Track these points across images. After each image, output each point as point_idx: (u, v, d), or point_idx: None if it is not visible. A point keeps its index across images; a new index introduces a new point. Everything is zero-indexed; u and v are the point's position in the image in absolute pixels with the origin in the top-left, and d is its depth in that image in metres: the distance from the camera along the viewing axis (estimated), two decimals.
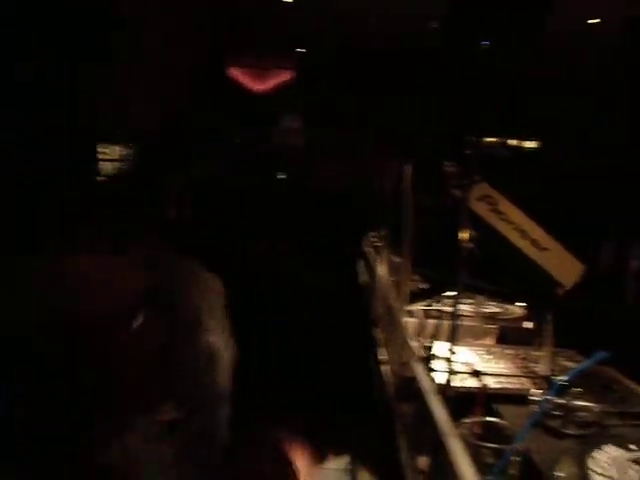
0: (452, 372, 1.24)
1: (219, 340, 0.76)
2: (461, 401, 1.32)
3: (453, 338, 1.18)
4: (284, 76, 6.62)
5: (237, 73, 6.55)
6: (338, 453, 1.57)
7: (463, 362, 1.58)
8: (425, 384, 1.18)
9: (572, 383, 1.18)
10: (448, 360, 1.20)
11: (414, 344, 1.48)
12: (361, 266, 3.09)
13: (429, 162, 1.27)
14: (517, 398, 1.32)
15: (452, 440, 0.94)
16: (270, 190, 5.99)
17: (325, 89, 6.05)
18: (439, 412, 1.10)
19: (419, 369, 1.26)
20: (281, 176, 6.64)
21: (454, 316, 1.18)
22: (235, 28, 4.96)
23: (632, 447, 1.06)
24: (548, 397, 0.85)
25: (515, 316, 1.96)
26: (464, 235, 1.17)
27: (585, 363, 0.82)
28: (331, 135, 6.18)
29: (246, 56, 6.35)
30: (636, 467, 0.99)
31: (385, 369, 1.54)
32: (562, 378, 0.93)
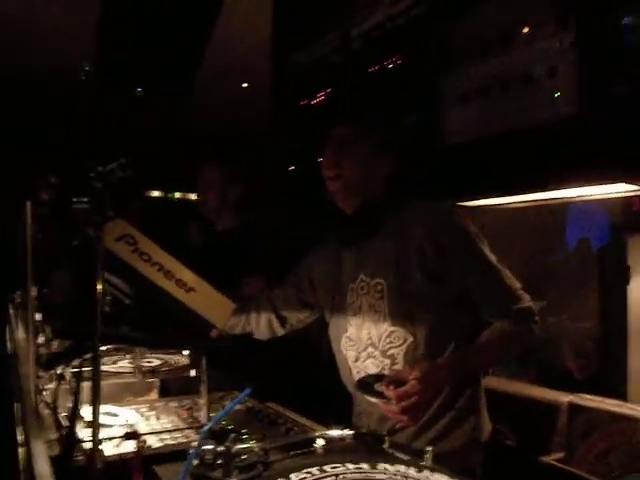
0: (101, 440, 1.05)
1: None
2: (118, 469, 1.14)
3: (95, 400, 1.00)
4: None
5: None
6: None
7: (122, 424, 1.40)
8: (41, 467, 0.96)
9: (225, 427, 1.13)
10: (96, 426, 1.02)
11: (50, 415, 1.25)
12: (9, 332, 2.63)
13: (59, 200, 1.09)
14: (181, 454, 1.21)
15: None
16: None
17: None
18: None
19: (38, 449, 1.04)
20: None
21: (95, 375, 1.00)
22: None
23: (292, 477, 1.04)
24: (198, 448, 0.75)
25: (179, 365, 1.88)
26: (100, 282, 1.01)
27: (230, 404, 0.74)
28: None
29: None
30: None
31: (23, 451, 1.25)
32: (208, 424, 0.84)
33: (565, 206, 2.74)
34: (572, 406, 2.07)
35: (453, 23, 1.86)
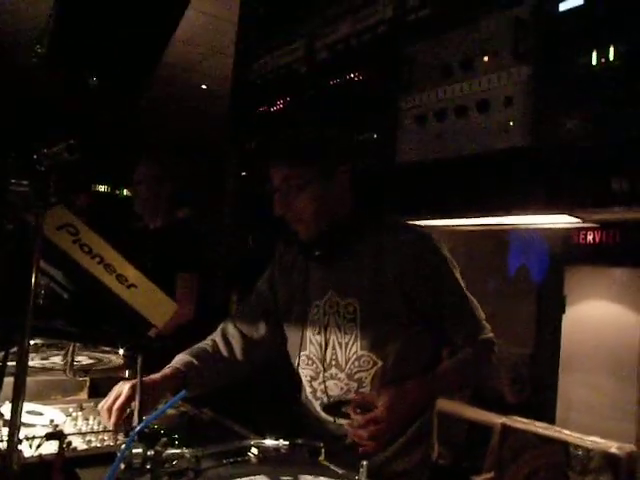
0: (20, 440, 0.99)
1: None
2: (37, 472, 1.08)
3: (18, 396, 0.94)
4: None
5: None
6: None
7: (46, 424, 1.32)
8: None
9: (157, 431, 1.08)
10: (15, 424, 0.95)
11: None
12: None
13: None
14: (108, 457, 1.15)
15: None
16: None
17: None
18: None
19: None
20: None
21: (19, 369, 0.94)
22: None
23: None
24: (126, 450, 0.71)
25: (112, 365, 1.80)
26: (35, 272, 0.95)
27: (163, 406, 0.71)
28: None
29: None
30: None
31: None
32: (138, 426, 0.80)
33: (506, 233, 2.82)
34: (504, 427, 2.11)
35: (417, 45, 1.89)
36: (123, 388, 1.37)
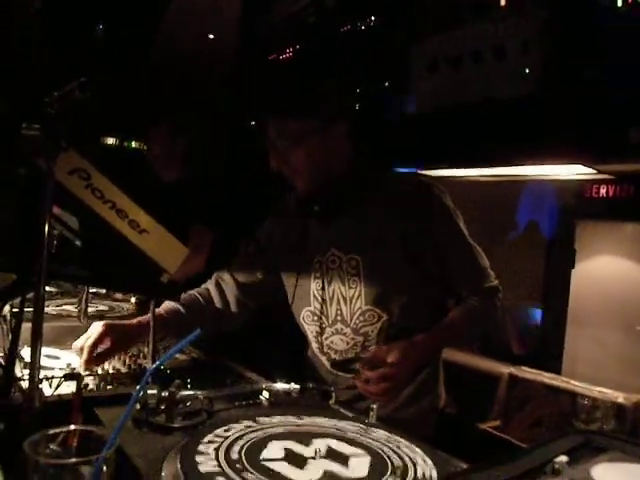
0: (41, 380, 1.01)
1: None
2: (57, 410, 1.11)
3: (36, 340, 0.96)
4: None
5: None
6: None
7: (63, 367, 1.36)
8: None
9: (171, 374, 1.10)
10: (35, 365, 0.98)
11: None
12: None
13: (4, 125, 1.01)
14: (123, 398, 1.18)
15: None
16: None
17: None
18: None
19: None
20: None
21: (37, 314, 0.95)
22: None
23: (234, 426, 1.03)
24: (140, 391, 0.73)
25: (125, 313, 1.83)
26: (48, 217, 0.96)
27: (176, 346, 0.72)
28: None
29: None
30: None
31: None
32: (152, 366, 0.81)
33: (518, 186, 2.79)
34: (512, 377, 2.13)
35: None
36: (96, 328, 1.40)
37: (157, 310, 1.50)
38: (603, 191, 2.59)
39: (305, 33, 2.42)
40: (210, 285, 1.70)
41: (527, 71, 1.63)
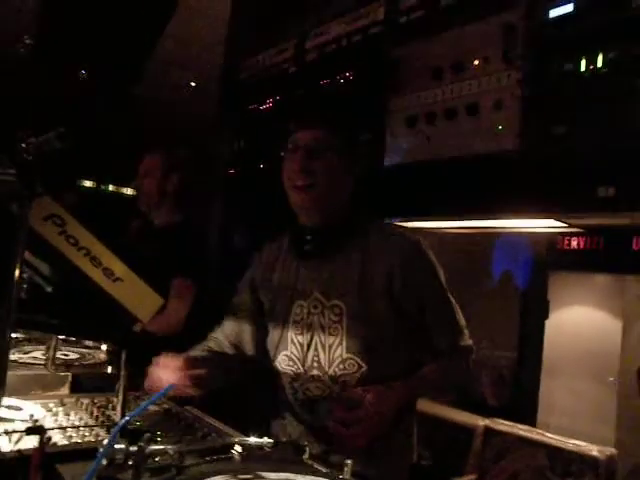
0: (2, 433, 0.97)
1: None
2: (16, 467, 1.06)
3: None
4: None
5: None
6: None
7: (25, 419, 1.30)
8: None
9: (140, 427, 1.07)
10: None
11: None
12: None
13: None
14: (89, 453, 1.13)
15: None
16: None
17: None
18: None
19: None
20: None
21: (0, 364, 0.92)
22: None
23: None
24: (108, 446, 0.70)
25: (96, 361, 1.78)
26: (18, 263, 0.94)
27: (149, 400, 0.70)
28: None
29: None
30: None
31: None
32: (122, 421, 0.78)
33: (492, 238, 2.84)
34: (487, 429, 2.11)
35: (409, 47, 1.89)
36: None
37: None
38: (574, 243, 2.65)
39: (287, 84, 2.47)
40: (209, 344, 1.69)
41: (500, 127, 1.68)
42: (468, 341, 1.58)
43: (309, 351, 1.54)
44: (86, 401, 1.50)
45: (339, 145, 1.51)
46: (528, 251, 2.78)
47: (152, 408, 1.51)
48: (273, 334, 1.62)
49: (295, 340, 1.57)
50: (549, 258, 2.73)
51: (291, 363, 1.58)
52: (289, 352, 1.58)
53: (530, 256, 2.80)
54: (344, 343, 1.49)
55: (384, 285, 1.48)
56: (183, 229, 2.57)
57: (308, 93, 2.24)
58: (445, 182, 1.78)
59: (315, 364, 1.53)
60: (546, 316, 2.80)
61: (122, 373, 1.19)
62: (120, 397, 1.19)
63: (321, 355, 1.52)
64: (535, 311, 2.84)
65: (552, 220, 1.83)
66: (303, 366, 1.55)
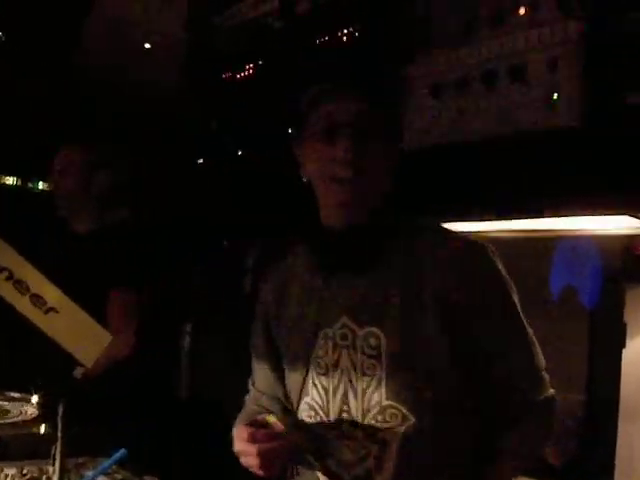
0: None
1: None
2: None
3: None
4: None
5: None
6: None
7: None
8: None
9: None
10: None
11: None
12: None
13: None
14: None
15: None
16: None
17: None
18: None
19: None
20: None
21: None
22: None
23: None
24: None
25: (24, 418, 1.79)
26: None
27: (97, 469, 0.71)
28: None
29: None
30: None
31: None
32: None
33: (548, 243, 2.84)
34: None
35: None
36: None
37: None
38: None
39: (269, 43, 2.49)
40: (253, 407, 1.68)
41: (555, 96, 1.68)
42: (550, 390, 1.49)
43: (336, 397, 1.50)
44: (12, 472, 1.50)
45: (386, 122, 1.47)
46: (597, 260, 2.79)
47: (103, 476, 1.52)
48: (293, 377, 1.58)
49: (317, 383, 1.52)
50: (625, 268, 2.73)
51: (313, 413, 1.53)
52: (310, 399, 1.53)
53: (600, 266, 2.81)
54: (383, 386, 1.43)
55: (436, 306, 1.41)
56: (116, 235, 2.61)
57: (338, 53, 2.22)
58: (481, 171, 1.79)
59: (344, 414, 1.48)
60: (623, 344, 2.80)
61: (59, 434, 1.19)
62: (57, 466, 1.19)
63: (351, 403, 1.47)
64: (608, 337, 2.84)
65: (628, 217, 1.84)
66: (327, 417, 1.51)
